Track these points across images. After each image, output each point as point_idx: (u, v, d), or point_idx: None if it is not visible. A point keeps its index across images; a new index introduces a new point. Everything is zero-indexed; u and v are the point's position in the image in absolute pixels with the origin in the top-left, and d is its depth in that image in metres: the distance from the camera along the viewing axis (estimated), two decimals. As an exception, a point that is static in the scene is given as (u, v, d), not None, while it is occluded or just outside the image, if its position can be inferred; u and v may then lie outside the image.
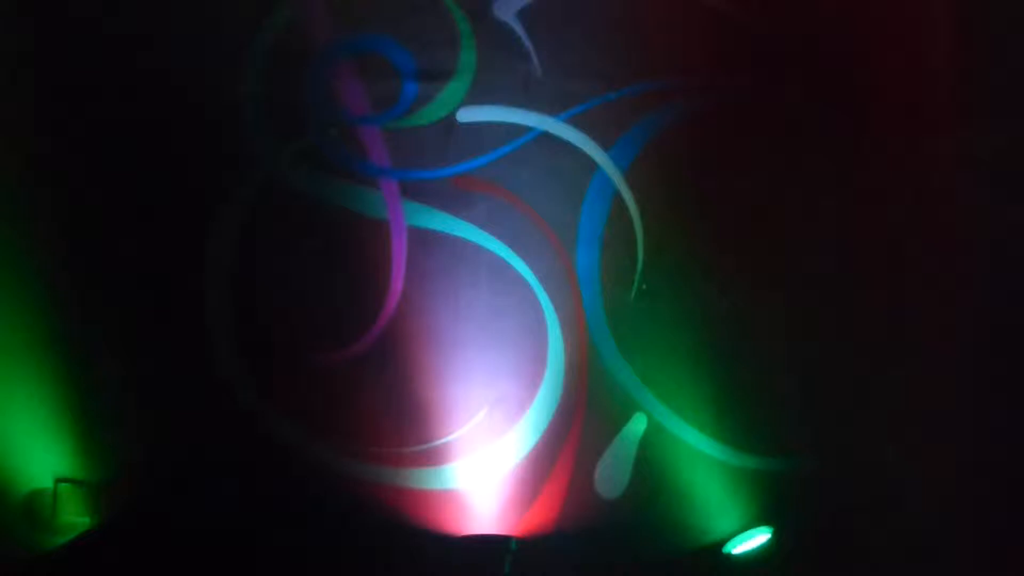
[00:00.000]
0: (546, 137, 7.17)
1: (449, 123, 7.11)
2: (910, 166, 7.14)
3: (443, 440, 6.98)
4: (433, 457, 6.98)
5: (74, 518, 6.79)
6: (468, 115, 7.12)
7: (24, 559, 6.68)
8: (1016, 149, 7.05)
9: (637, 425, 7.09)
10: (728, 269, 7.14)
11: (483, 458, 7.02)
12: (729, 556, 6.98)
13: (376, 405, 6.96)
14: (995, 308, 6.98)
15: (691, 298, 7.12)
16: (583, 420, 7.08)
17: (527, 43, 7.11)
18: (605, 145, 7.17)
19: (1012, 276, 7.00)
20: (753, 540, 6.96)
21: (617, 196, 7.16)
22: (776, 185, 7.14)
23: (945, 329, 7.00)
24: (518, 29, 7.12)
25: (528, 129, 7.15)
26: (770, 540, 6.94)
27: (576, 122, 7.17)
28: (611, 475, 7.05)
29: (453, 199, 7.11)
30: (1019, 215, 7.01)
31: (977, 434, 6.90)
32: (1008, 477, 6.88)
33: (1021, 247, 7.01)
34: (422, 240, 7.09)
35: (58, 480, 6.78)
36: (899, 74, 7.15)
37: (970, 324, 6.96)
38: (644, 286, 7.11)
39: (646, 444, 7.07)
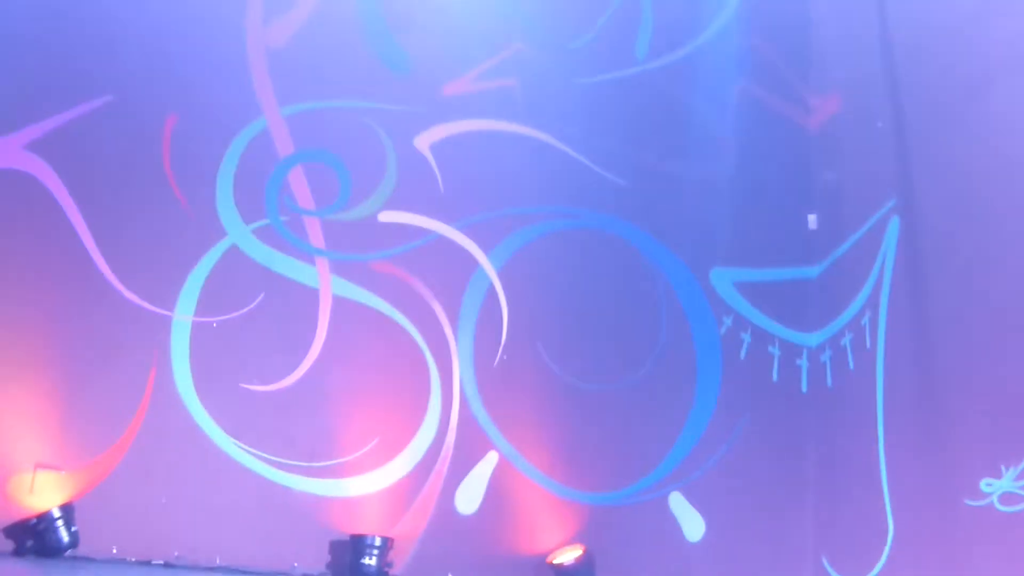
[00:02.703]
0: (443, 239, 9.41)
1: None
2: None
3: (343, 459, 8.96)
4: (334, 472, 8.94)
5: (49, 499, 8.27)
6: (387, 216, 9.35)
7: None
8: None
9: (490, 460, 9.24)
10: (566, 351, 9.47)
11: (371, 476, 9.01)
12: (551, 565, 9.03)
13: (295, 428, 8.92)
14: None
15: (538, 369, 9.39)
16: (451, 454, 9.18)
17: (434, 168, 9.43)
18: (486, 250, 9.45)
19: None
20: (569, 554, 9.04)
21: (491, 288, 9.44)
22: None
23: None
24: (430, 158, 9.43)
25: (430, 231, 9.40)
26: (582, 555, 9.02)
27: (466, 230, 9.43)
28: (468, 497, 9.16)
29: (370, 278, 9.21)
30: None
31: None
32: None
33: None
34: (343, 308, 9.15)
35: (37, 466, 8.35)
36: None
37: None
38: (505, 357, 9.38)
39: (495, 474, 9.21)
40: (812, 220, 9.84)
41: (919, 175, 8.59)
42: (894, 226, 8.88)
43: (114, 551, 8.45)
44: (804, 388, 9.65)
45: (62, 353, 8.57)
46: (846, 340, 9.30)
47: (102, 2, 8.84)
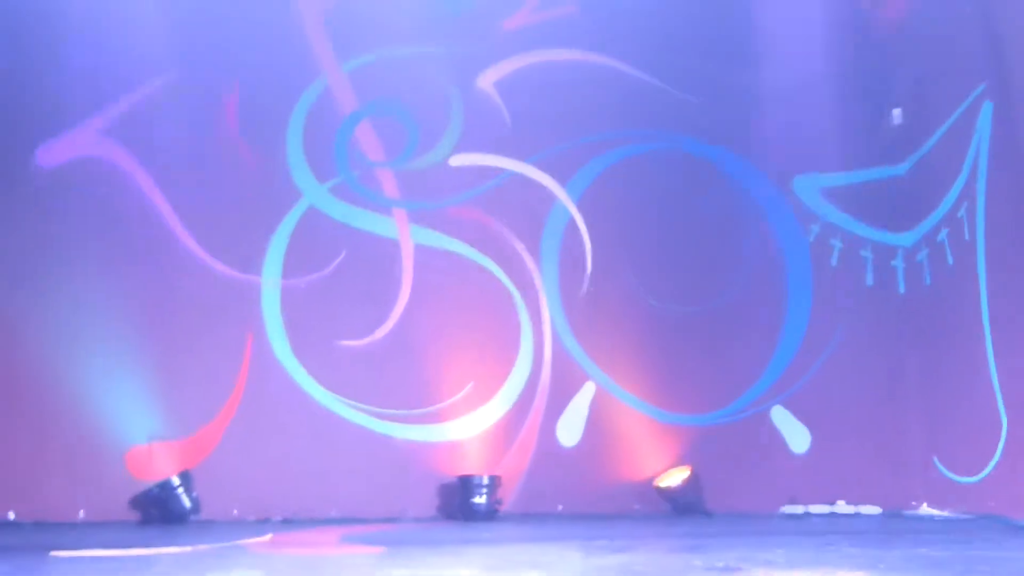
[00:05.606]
0: (517, 176, 9.37)
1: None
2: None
3: (442, 404, 9.09)
4: (435, 417, 9.08)
5: (167, 468, 8.61)
6: (458, 160, 9.33)
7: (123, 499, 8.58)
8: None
9: (587, 392, 9.27)
10: (654, 276, 9.39)
11: (471, 418, 9.14)
12: (658, 488, 9.09)
13: (392, 378, 9.05)
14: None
15: (626, 297, 9.34)
16: (547, 389, 9.23)
17: (501, 106, 9.36)
18: (562, 182, 9.40)
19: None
20: (676, 476, 9.08)
21: (571, 220, 9.39)
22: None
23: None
24: (495, 96, 9.37)
25: (504, 170, 9.37)
26: (689, 476, 9.04)
27: (540, 165, 9.38)
28: (568, 429, 9.23)
29: (448, 223, 9.25)
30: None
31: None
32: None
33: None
34: (425, 255, 9.23)
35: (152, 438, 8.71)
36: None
37: None
38: (591, 287, 9.36)
39: (594, 405, 9.25)
40: (896, 115, 9.51)
41: (1011, 55, 8.18)
42: (987, 111, 8.51)
43: (235, 513, 8.73)
44: (901, 289, 9.43)
45: (163, 330, 8.82)
46: (943, 235, 9.00)
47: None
